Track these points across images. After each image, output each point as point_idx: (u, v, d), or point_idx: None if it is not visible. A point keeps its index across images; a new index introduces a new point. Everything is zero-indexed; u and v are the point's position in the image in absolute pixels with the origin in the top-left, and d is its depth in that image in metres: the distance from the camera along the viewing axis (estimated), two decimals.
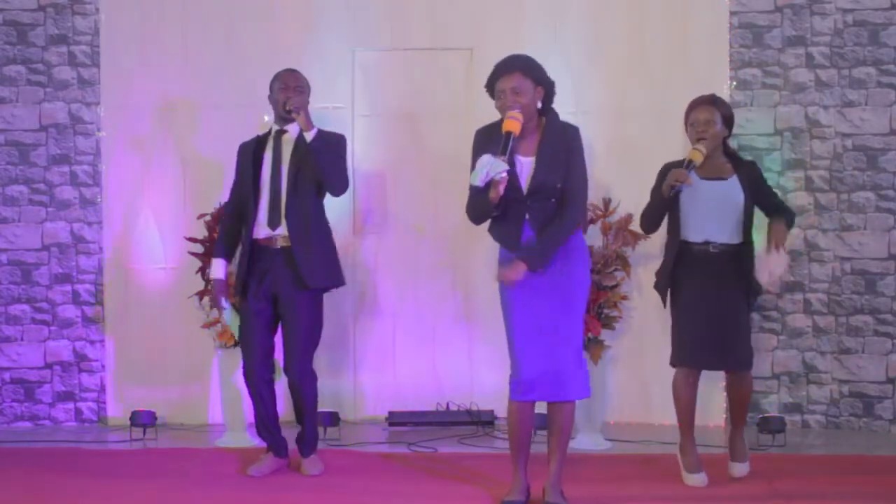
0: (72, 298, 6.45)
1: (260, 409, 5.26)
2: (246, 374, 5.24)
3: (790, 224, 5.14)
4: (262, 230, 5.19)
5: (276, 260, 5.17)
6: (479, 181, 4.39)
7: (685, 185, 4.93)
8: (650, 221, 5.17)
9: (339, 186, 5.24)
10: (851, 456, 5.62)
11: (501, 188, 4.42)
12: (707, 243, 5.00)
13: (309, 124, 5.12)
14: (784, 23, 6.32)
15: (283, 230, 5.17)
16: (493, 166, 4.37)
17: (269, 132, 5.33)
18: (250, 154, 5.28)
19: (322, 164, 5.13)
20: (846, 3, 6.24)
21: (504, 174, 4.39)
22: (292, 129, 5.25)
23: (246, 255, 5.21)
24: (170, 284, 6.38)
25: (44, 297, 6.45)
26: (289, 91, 5.22)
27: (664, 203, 5.04)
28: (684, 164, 4.97)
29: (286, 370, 5.22)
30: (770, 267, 4.97)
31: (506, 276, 4.49)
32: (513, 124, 4.45)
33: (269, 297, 5.20)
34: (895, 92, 6.22)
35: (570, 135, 4.59)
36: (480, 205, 4.53)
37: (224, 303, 5.29)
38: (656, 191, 5.10)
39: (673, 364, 5.06)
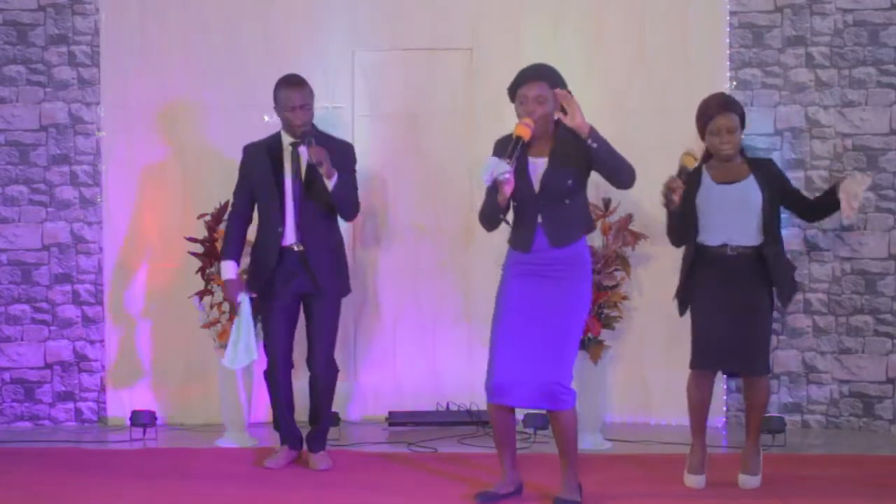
0: (72, 298, 6.45)
1: (280, 400, 5.40)
2: (269, 371, 5.40)
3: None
4: (290, 237, 5.30)
5: (302, 264, 5.29)
6: (485, 179, 4.53)
7: (672, 196, 4.90)
8: (674, 236, 5.11)
9: (352, 214, 5.47)
10: (851, 456, 5.62)
11: (507, 190, 4.53)
12: (725, 246, 4.97)
13: (330, 173, 5.17)
14: (784, 23, 6.33)
15: (295, 238, 5.29)
16: (496, 167, 4.50)
17: (279, 140, 5.36)
18: (267, 162, 5.33)
19: (339, 201, 5.28)
20: (846, 3, 6.24)
21: (507, 176, 4.50)
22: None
23: (274, 260, 5.30)
24: (170, 284, 6.37)
25: (44, 297, 6.45)
26: (296, 112, 5.25)
27: (673, 215, 5.01)
28: (678, 172, 4.96)
29: (310, 363, 5.36)
30: (851, 191, 4.93)
31: (566, 97, 4.53)
32: (523, 130, 4.56)
33: (296, 297, 5.35)
34: (895, 92, 6.22)
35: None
36: (489, 208, 4.67)
37: (239, 297, 5.35)
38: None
39: (692, 367, 5.05)
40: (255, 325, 5.43)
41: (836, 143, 6.27)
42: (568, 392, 4.58)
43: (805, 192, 6.21)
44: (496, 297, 4.70)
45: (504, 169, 4.48)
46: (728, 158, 5.01)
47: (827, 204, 5.11)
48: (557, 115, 4.62)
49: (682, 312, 5.12)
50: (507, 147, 4.55)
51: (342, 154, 5.36)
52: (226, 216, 5.65)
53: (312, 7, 6.44)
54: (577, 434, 4.70)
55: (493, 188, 4.60)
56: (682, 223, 5.03)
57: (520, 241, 4.68)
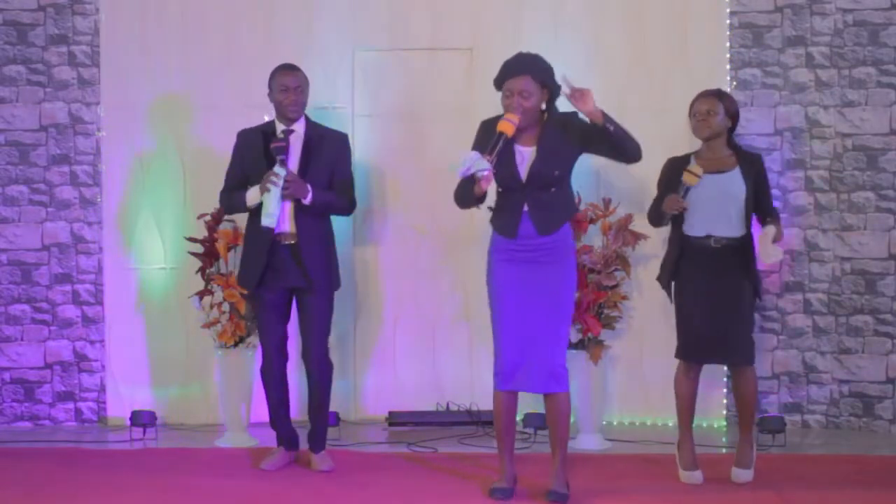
0: (72, 298, 6.45)
1: (275, 400, 5.40)
2: (264, 366, 5.39)
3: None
4: (282, 225, 5.26)
5: (293, 258, 5.26)
6: (459, 173, 4.56)
7: (677, 210, 5.03)
8: (655, 221, 5.27)
9: (347, 212, 5.49)
10: (851, 456, 5.62)
11: (484, 185, 4.60)
12: (709, 237, 5.03)
13: (303, 194, 5.16)
14: (784, 23, 6.32)
15: (290, 228, 5.25)
16: (476, 163, 4.53)
17: (273, 128, 5.36)
18: (260, 149, 5.30)
19: (324, 210, 5.31)
20: (846, 3, 6.24)
21: (486, 173, 4.54)
22: (299, 127, 5.33)
23: (266, 248, 5.26)
24: (170, 284, 6.38)
25: (44, 297, 6.44)
26: (289, 93, 5.29)
27: (664, 217, 5.13)
28: (679, 190, 5.04)
29: (304, 357, 5.35)
30: (767, 250, 5.01)
31: (573, 89, 4.56)
32: (507, 126, 4.60)
33: (286, 289, 5.33)
34: (895, 92, 6.22)
35: (570, 120, 4.74)
36: (465, 193, 4.73)
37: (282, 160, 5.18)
38: (661, 184, 5.21)
39: (678, 357, 5.12)
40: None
41: (836, 143, 6.27)
42: (566, 373, 4.72)
43: (805, 193, 6.26)
44: (489, 285, 4.79)
45: (483, 167, 4.51)
46: (703, 139, 5.11)
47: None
48: (570, 99, 4.60)
49: (669, 294, 5.22)
50: (490, 139, 4.58)
51: (337, 147, 5.38)
52: (218, 196, 5.52)
53: (312, 7, 6.44)
54: (570, 421, 4.81)
55: (468, 178, 4.62)
56: (668, 215, 5.13)
57: (505, 228, 4.74)
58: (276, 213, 5.14)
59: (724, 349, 5.06)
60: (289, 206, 5.24)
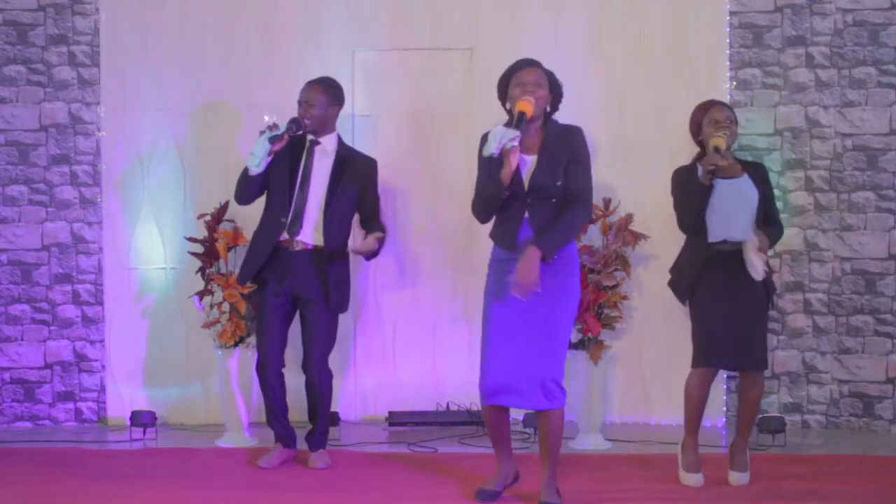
0: (72, 298, 6.45)
1: (271, 400, 5.43)
2: (259, 366, 5.44)
3: (774, 241, 5.16)
4: (285, 233, 5.36)
5: (298, 262, 5.34)
6: (494, 149, 4.41)
7: (720, 165, 4.89)
8: (691, 219, 5.05)
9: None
10: (851, 456, 5.62)
11: (514, 160, 4.48)
12: (724, 242, 5.01)
13: (372, 248, 5.39)
14: (784, 23, 6.33)
15: (303, 237, 5.34)
16: (505, 134, 4.42)
17: (304, 140, 5.45)
18: (285, 158, 5.38)
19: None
20: (846, 3, 6.25)
21: (515, 143, 4.42)
22: (326, 142, 5.44)
23: (267, 252, 5.35)
24: (170, 284, 6.38)
25: (44, 297, 6.44)
26: (301, 106, 5.41)
27: (704, 192, 4.95)
28: (711, 150, 4.94)
29: (304, 368, 5.39)
30: (752, 259, 4.96)
31: (524, 281, 4.44)
32: (526, 105, 4.51)
33: (290, 295, 5.38)
34: (895, 92, 6.22)
35: (573, 135, 4.66)
36: (491, 189, 4.57)
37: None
38: (679, 193, 5.10)
39: (695, 366, 5.06)
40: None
41: (836, 143, 6.27)
42: (560, 390, 4.56)
43: (805, 193, 6.27)
44: (484, 296, 4.69)
45: (512, 135, 4.41)
46: (726, 148, 5.00)
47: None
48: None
49: (684, 301, 5.14)
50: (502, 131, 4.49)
51: (367, 172, 5.53)
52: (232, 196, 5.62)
53: (312, 7, 6.44)
54: (563, 435, 4.70)
55: (489, 171, 4.55)
56: (703, 205, 4.97)
57: (504, 238, 4.63)
58: (261, 157, 5.24)
59: (743, 354, 5.02)
60: (317, 212, 5.35)
